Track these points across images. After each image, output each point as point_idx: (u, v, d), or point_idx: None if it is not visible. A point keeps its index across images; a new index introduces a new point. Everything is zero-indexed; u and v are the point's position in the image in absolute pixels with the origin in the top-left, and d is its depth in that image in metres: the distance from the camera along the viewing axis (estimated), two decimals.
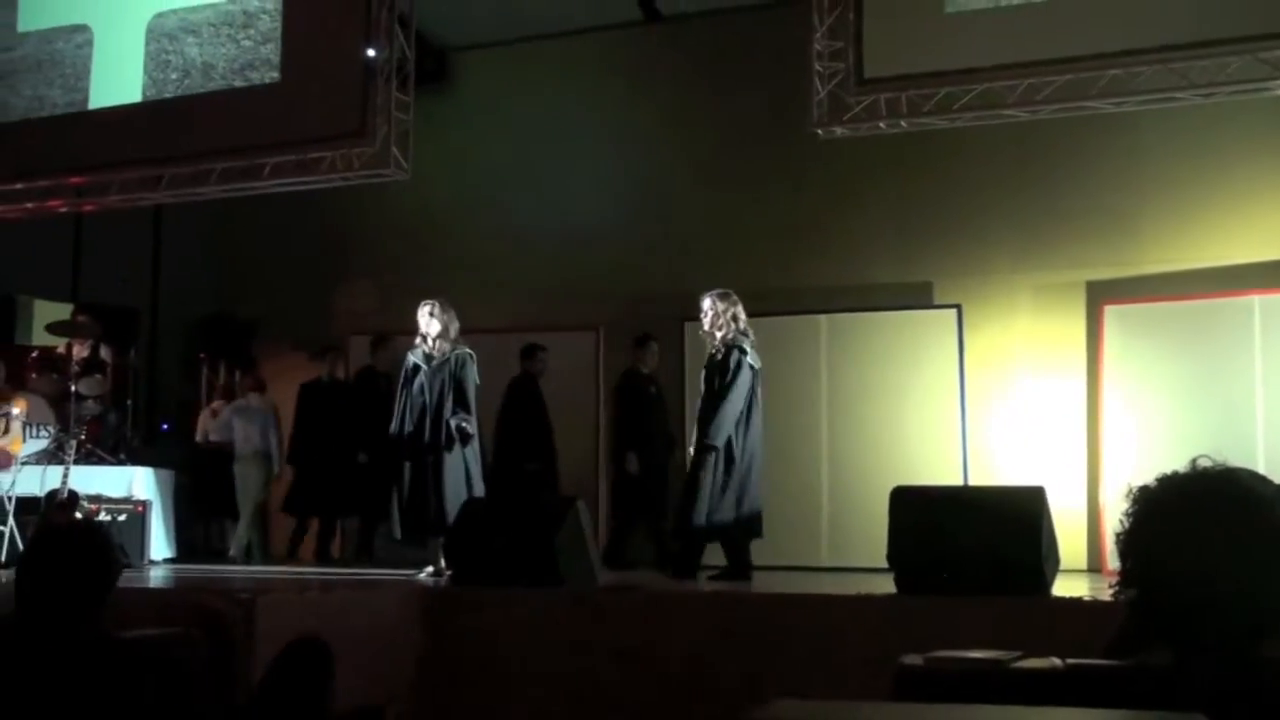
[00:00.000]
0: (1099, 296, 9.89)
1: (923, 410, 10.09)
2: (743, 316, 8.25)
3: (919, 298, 10.52)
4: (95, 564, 3.24)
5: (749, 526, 8.13)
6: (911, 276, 10.57)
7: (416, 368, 8.51)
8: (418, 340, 8.59)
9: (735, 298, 8.28)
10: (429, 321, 8.52)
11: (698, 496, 7.98)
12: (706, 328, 8.28)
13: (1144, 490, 2.38)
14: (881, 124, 8.79)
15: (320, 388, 11.00)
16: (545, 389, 10.57)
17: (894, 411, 10.14)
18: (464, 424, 8.37)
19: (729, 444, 8.03)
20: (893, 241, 10.64)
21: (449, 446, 8.32)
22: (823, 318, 10.52)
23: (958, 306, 10.17)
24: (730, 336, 8.16)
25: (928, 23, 8.56)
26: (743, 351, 8.11)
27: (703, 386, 8.26)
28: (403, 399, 8.52)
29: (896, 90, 8.65)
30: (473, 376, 8.51)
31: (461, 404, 8.42)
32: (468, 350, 8.57)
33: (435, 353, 8.49)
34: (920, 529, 6.19)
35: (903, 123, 8.77)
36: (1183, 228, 9.82)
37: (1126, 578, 2.42)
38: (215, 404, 11.58)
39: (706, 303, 8.28)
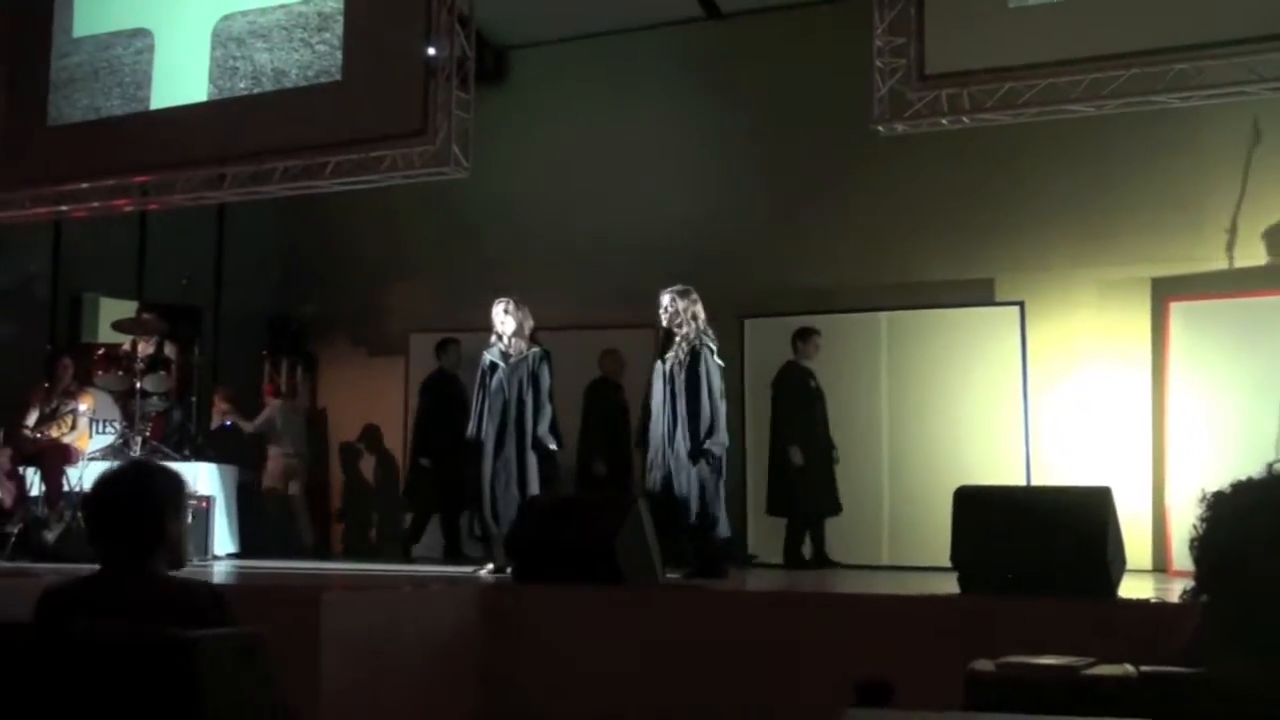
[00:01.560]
0: (1164, 293, 9.73)
1: (985, 408, 10.01)
2: (702, 314, 8.09)
3: (980, 294, 10.42)
4: (146, 495, 3.24)
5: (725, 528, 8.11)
6: (973, 273, 10.47)
7: (494, 365, 8.47)
8: (493, 339, 8.56)
9: (695, 295, 8.11)
10: (504, 319, 8.50)
11: (714, 500, 7.91)
12: (665, 324, 8.13)
13: (1218, 495, 2.35)
14: (943, 120, 8.72)
15: (443, 380, 10.92)
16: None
17: (955, 410, 10.07)
18: (548, 441, 8.42)
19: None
20: (953, 238, 10.53)
21: (538, 451, 8.37)
22: (883, 315, 10.47)
23: (1020, 303, 10.07)
24: (693, 335, 8.01)
25: (990, 17, 8.47)
26: (711, 350, 7.99)
27: (665, 385, 8.03)
28: (480, 398, 8.49)
29: (958, 86, 8.57)
30: (548, 374, 8.51)
31: (540, 404, 8.41)
32: (544, 348, 8.58)
33: (511, 351, 8.46)
34: (984, 529, 6.13)
35: (964, 119, 8.70)
36: (1250, 222, 9.66)
37: (1201, 582, 2.39)
38: (222, 406, 11.74)
39: (665, 299, 8.11)
